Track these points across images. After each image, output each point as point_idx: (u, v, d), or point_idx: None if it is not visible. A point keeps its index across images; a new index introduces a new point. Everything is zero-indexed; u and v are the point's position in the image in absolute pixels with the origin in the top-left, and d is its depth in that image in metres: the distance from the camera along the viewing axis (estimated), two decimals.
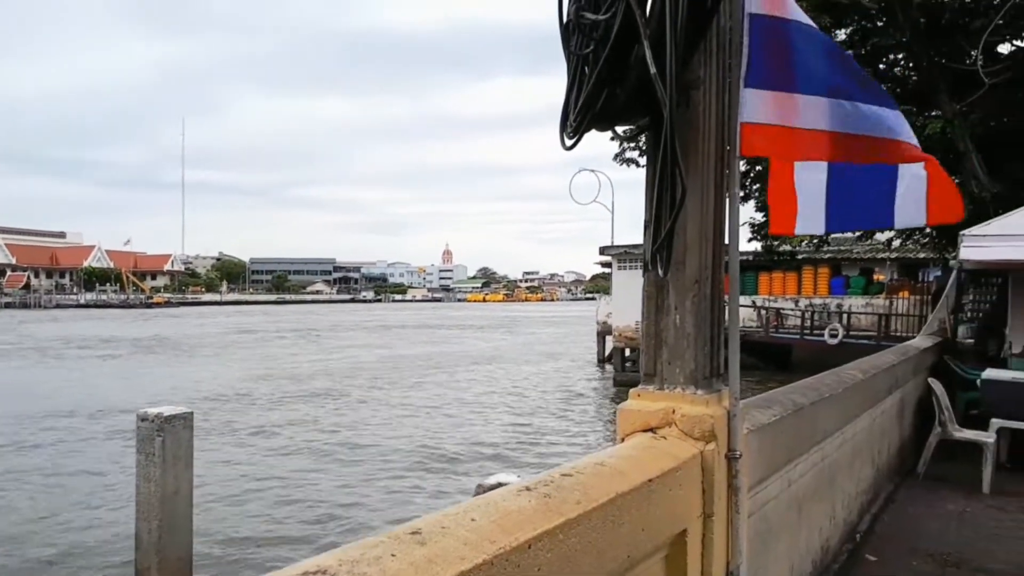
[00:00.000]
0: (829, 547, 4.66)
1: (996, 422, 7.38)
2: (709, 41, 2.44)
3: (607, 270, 32.29)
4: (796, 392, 4.08)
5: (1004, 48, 13.75)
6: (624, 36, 2.17)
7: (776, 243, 20.15)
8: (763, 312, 27.13)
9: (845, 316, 26.27)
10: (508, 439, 16.11)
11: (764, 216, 17.93)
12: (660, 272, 2.41)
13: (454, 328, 60.44)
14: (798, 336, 24.85)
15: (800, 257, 29.98)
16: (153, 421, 6.30)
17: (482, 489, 4.35)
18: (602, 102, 2.29)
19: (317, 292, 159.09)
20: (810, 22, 2.67)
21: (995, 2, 12.20)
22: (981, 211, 11.45)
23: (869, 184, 2.84)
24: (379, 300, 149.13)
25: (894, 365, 6.96)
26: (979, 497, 6.65)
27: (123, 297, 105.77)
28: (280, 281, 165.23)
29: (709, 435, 2.48)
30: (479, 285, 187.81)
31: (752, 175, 16.85)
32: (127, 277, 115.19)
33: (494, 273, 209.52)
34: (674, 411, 2.51)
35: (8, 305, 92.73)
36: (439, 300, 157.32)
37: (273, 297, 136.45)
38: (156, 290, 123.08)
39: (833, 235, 22.23)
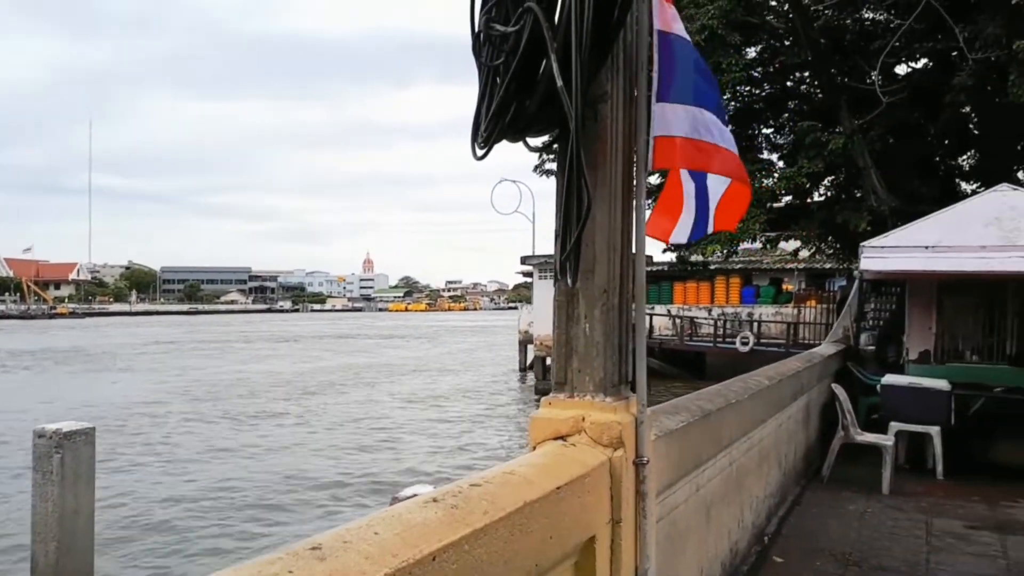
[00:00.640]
0: (738, 550, 4.79)
1: (895, 425, 7.74)
2: (616, 56, 2.49)
3: (529, 279, 32.54)
4: (703, 399, 4.18)
5: (901, 69, 14.52)
6: (533, 49, 2.19)
7: (687, 253, 20.65)
8: (678, 321, 27.76)
9: (756, 324, 27.10)
10: (426, 452, 15.98)
11: None
12: (569, 282, 2.44)
13: (376, 338, 59.61)
14: (711, 344, 25.48)
15: (712, 267, 30.80)
16: (51, 438, 5.95)
17: (396, 502, 4.30)
18: (512, 113, 2.30)
19: (232, 302, 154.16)
20: (689, 39, 2.79)
21: (892, 25, 12.86)
22: (880, 224, 12.00)
23: (712, 194, 2.96)
24: (296, 310, 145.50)
25: (799, 371, 7.18)
26: (879, 498, 6.96)
27: (23, 308, 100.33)
28: (193, 291, 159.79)
29: (617, 442, 2.51)
30: (401, 294, 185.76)
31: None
32: (28, 286, 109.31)
33: (416, 282, 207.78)
34: (584, 419, 2.53)
35: None
36: (360, 310, 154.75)
37: (185, 307, 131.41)
38: (60, 300, 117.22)
39: (744, 245, 22.87)
